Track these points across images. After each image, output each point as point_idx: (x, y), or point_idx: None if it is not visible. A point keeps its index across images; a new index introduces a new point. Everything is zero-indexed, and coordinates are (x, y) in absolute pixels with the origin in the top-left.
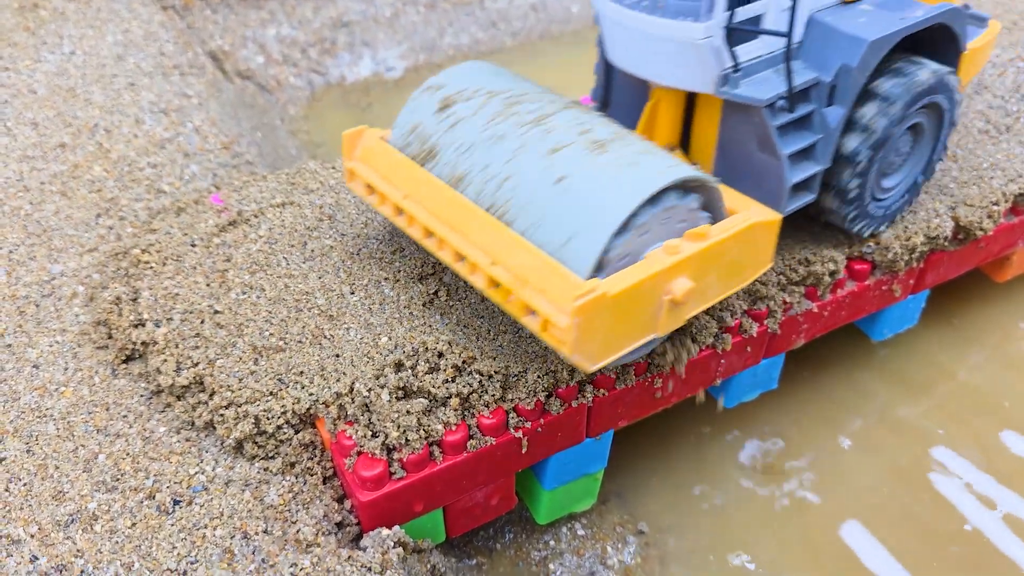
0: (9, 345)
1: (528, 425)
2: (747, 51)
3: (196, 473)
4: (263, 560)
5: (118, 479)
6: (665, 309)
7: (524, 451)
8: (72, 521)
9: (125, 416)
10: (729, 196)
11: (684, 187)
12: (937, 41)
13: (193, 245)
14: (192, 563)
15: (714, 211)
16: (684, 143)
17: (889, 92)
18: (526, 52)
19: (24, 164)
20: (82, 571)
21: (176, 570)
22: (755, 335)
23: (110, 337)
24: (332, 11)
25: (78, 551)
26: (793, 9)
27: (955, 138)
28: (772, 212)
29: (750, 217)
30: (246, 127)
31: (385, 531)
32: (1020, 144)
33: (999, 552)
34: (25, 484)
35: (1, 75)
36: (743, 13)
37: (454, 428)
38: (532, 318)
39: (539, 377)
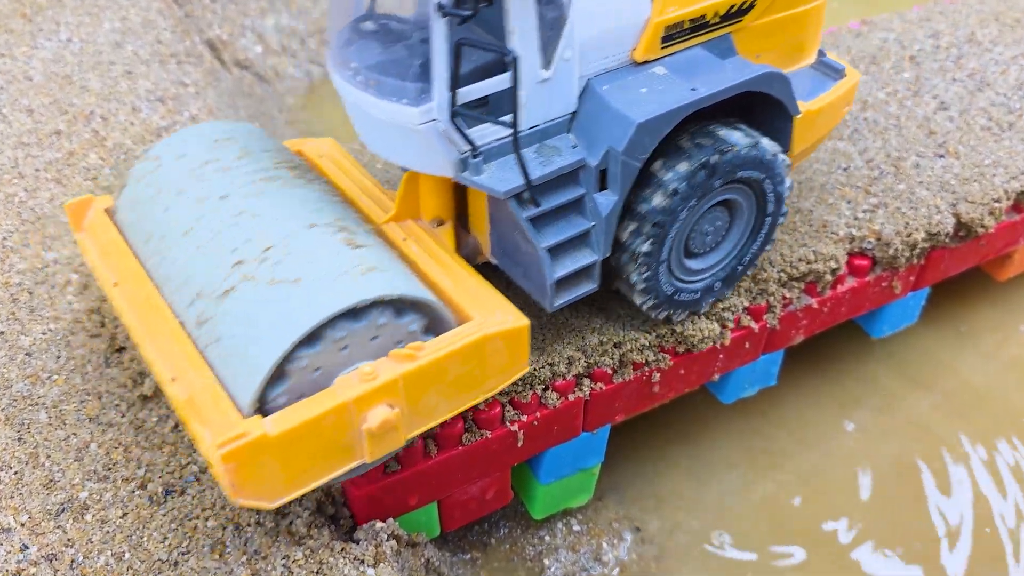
0: (2, 332)
1: (524, 419)
2: (489, 132)
3: (188, 463)
4: (255, 552)
5: (110, 468)
6: (367, 437)
7: (520, 445)
8: (63, 510)
9: (117, 405)
10: (470, 293)
11: (374, 304)
12: (762, 105)
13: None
14: (183, 554)
15: (437, 321)
16: (464, 214)
17: (668, 178)
18: None
19: (19, 151)
20: (72, 560)
21: (167, 560)
22: (754, 330)
23: (103, 325)
24: None
25: (69, 540)
26: (515, 92)
27: (957, 135)
28: (517, 318)
29: (481, 328)
30: (243, 117)
31: (379, 524)
32: (1022, 141)
33: (998, 549)
34: (16, 472)
35: None
36: (469, 92)
37: (449, 421)
38: (202, 448)
39: (536, 370)
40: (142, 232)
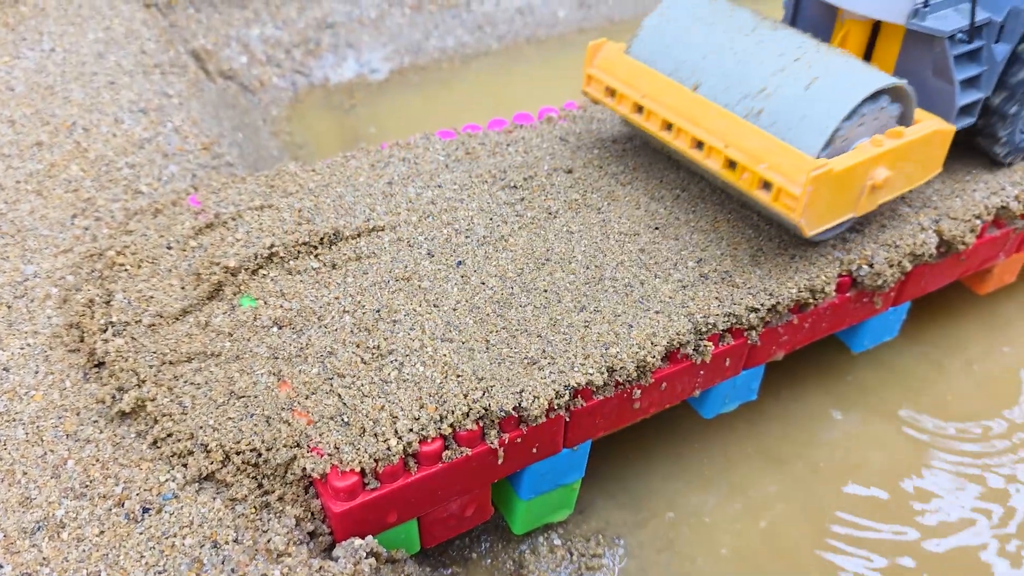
0: None
1: (504, 436)
2: None
3: (167, 480)
4: (232, 570)
5: (87, 486)
6: (866, 192)
7: (500, 462)
8: (39, 528)
9: (96, 421)
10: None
11: (892, 94)
12: None
13: (169, 248)
14: (160, 572)
15: (905, 118)
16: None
17: None
18: (512, 56)
19: None
20: None
21: None
22: (734, 346)
23: (82, 340)
24: (317, 12)
25: (44, 559)
26: None
27: None
28: (947, 124)
29: (933, 125)
30: (227, 128)
31: (358, 541)
32: None
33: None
34: None
35: None
36: None
37: (429, 439)
38: (763, 192)
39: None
40: (670, 58)
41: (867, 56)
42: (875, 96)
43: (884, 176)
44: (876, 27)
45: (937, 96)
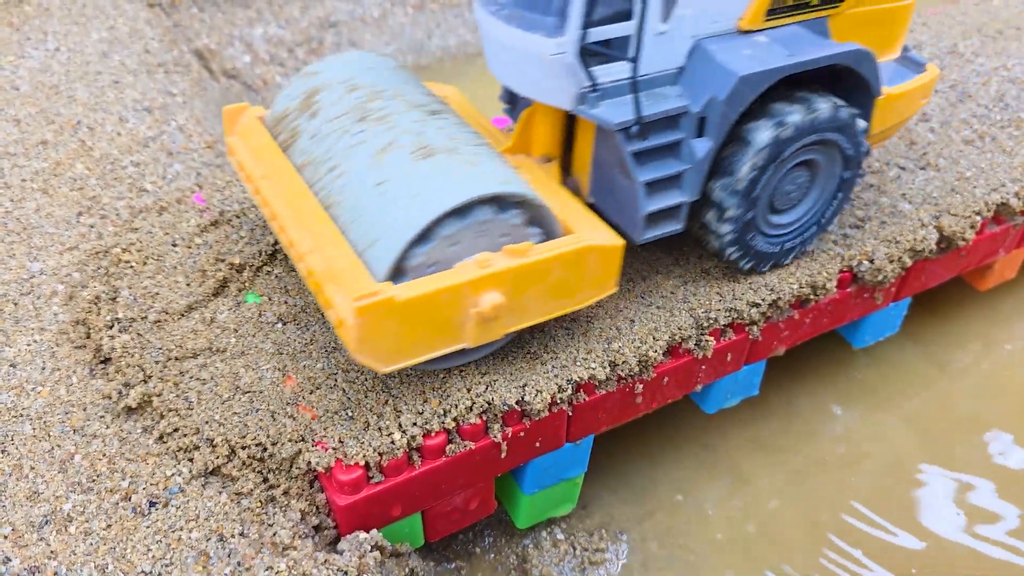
0: None
1: (508, 430)
2: (608, 72)
3: (173, 475)
4: (238, 563)
5: (94, 480)
6: (474, 321)
7: (503, 456)
8: (46, 522)
9: (102, 417)
10: (573, 215)
11: (505, 201)
12: (848, 82)
13: (175, 245)
14: (167, 566)
15: (546, 228)
16: (568, 157)
17: (759, 135)
18: None
19: (5, 161)
20: (55, 573)
21: (151, 572)
22: (736, 341)
23: (88, 337)
24: (320, 11)
25: (52, 552)
26: (639, 35)
27: (939, 147)
28: (614, 238)
29: (582, 240)
30: None
31: (363, 535)
32: (1003, 153)
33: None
34: None
35: None
36: (598, 34)
37: (433, 432)
38: (332, 312)
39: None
40: (290, 132)
41: (568, 145)
42: (470, 209)
43: (495, 303)
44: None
45: (626, 198)
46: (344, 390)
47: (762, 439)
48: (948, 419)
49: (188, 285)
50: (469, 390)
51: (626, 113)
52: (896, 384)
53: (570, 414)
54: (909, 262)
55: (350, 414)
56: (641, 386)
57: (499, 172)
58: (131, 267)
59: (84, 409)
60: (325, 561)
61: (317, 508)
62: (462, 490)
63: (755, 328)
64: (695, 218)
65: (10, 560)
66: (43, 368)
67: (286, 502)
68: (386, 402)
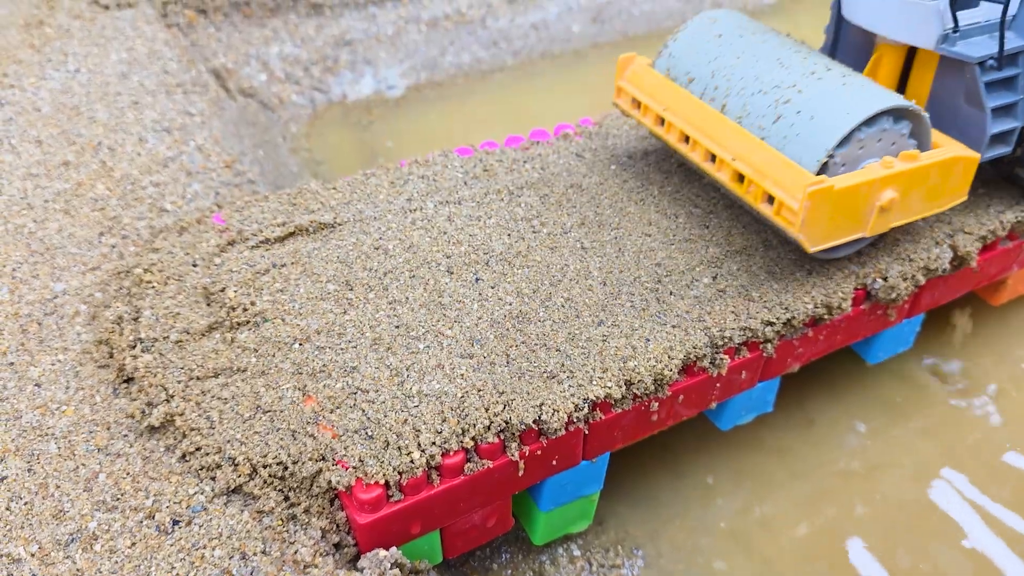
0: (12, 363)
1: (525, 448)
2: (967, 16)
3: (196, 493)
4: None
5: (118, 499)
6: (875, 213)
7: (521, 474)
8: (72, 540)
9: (126, 436)
10: (935, 134)
11: (898, 113)
12: None
13: (195, 265)
14: None
15: (921, 141)
16: (902, 91)
17: None
18: (527, 71)
19: (28, 182)
20: None
21: None
22: (750, 359)
23: (111, 356)
24: (334, 29)
25: (78, 570)
26: None
27: None
28: (973, 152)
29: (953, 151)
30: (248, 145)
31: (382, 552)
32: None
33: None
34: (26, 503)
35: (6, 93)
36: None
37: (452, 451)
38: (767, 205)
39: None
40: (703, 59)
41: (902, 81)
42: (875, 118)
43: (891, 198)
44: (911, 53)
45: (970, 123)
46: (363, 410)
47: (778, 455)
48: (962, 435)
49: (208, 305)
50: (487, 409)
51: (985, 49)
52: (910, 400)
53: (586, 432)
54: (923, 280)
55: (370, 433)
56: (656, 404)
57: (888, 92)
58: (152, 287)
59: (108, 428)
60: None
61: (337, 526)
62: (480, 508)
63: (769, 346)
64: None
65: None
66: (67, 387)
67: (307, 520)
68: (405, 421)
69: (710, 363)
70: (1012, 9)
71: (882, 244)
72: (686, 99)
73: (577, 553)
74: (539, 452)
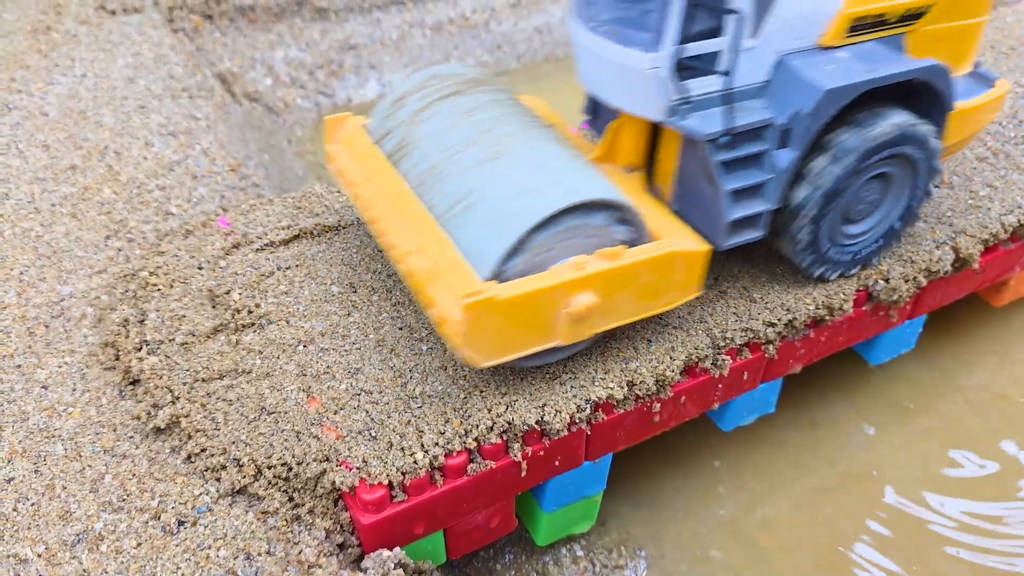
0: (19, 366)
1: (528, 449)
2: (700, 85)
3: (201, 494)
4: None
5: (124, 499)
6: (566, 321)
7: (524, 475)
8: (79, 541)
9: (132, 437)
10: (660, 221)
11: (596, 207)
12: (923, 96)
13: (200, 268)
14: None
15: (636, 230)
16: (651, 166)
17: (842, 145)
18: (531, 74)
19: (35, 186)
20: None
21: None
22: (752, 360)
23: (117, 358)
24: (339, 34)
25: (84, 571)
26: (735, 51)
27: (952, 164)
28: (700, 244)
29: (670, 245)
30: (253, 149)
31: (386, 553)
32: (1017, 170)
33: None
34: (33, 504)
35: (13, 97)
36: (692, 49)
37: (455, 452)
38: (434, 311)
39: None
40: (400, 136)
41: (651, 155)
42: (557, 218)
43: (586, 304)
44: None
45: (711, 206)
46: (367, 411)
47: (779, 456)
48: (964, 436)
49: (214, 307)
50: (490, 410)
51: (715, 124)
52: (912, 401)
53: (589, 433)
54: (924, 282)
55: (373, 434)
56: (659, 405)
57: (588, 180)
58: (158, 290)
59: (114, 430)
60: None
61: (341, 526)
62: (483, 508)
63: (771, 347)
64: (771, 224)
65: None
66: (74, 389)
67: (311, 521)
68: (408, 422)
69: (712, 364)
70: (745, 79)
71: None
72: (384, 175)
73: (580, 554)
74: (542, 453)
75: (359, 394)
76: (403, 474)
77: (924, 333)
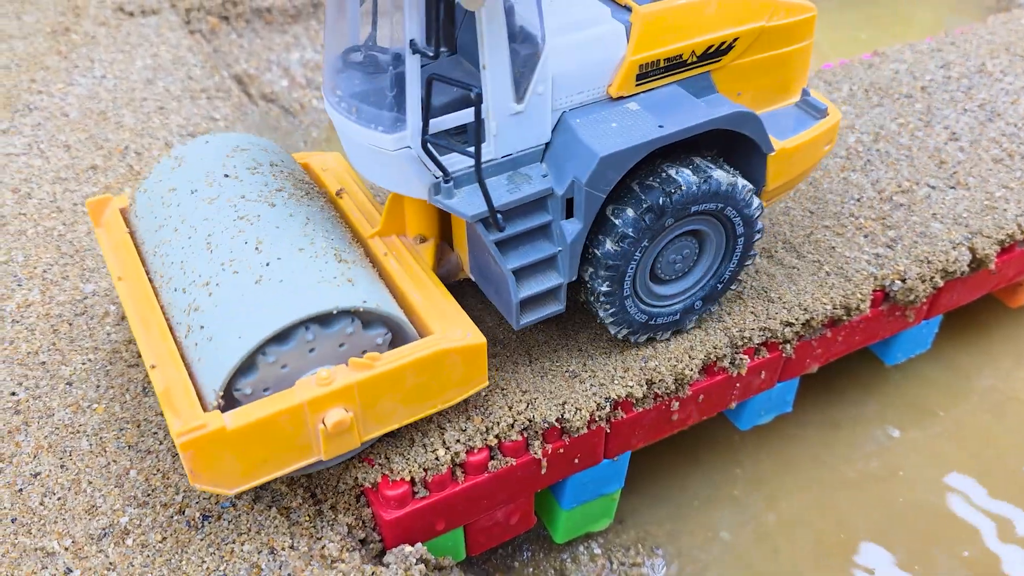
0: (43, 363)
1: (548, 447)
2: (462, 159)
3: None
4: (289, 575)
5: (149, 494)
6: (324, 436)
7: (543, 472)
8: (105, 535)
9: (155, 433)
10: (434, 309)
11: (332, 317)
12: (740, 141)
13: None
14: None
15: (399, 327)
16: (449, 231)
17: (618, 223)
18: None
19: (57, 186)
20: None
21: None
22: (769, 359)
23: (140, 355)
24: None
25: (111, 564)
26: (477, 127)
27: (968, 165)
28: (475, 336)
29: (437, 343)
30: None
31: (408, 548)
32: None
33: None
34: (60, 498)
35: (35, 98)
36: (440, 124)
37: (476, 449)
38: (172, 436)
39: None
40: (152, 224)
41: (446, 230)
42: (291, 332)
43: (339, 419)
44: None
45: (502, 284)
46: None
47: (796, 455)
48: (980, 437)
49: None
50: (511, 408)
51: (483, 203)
52: (928, 402)
53: (608, 431)
54: (941, 282)
55: (395, 431)
56: (677, 403)
57: (321, 289)
58: None
59: (138, 426)
60: (372, 574)
61: (363, 522)
62: (503, 505)
63: (788, 346)
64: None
65: (72, 571)
66: (98, 386)
67: (333, 516)
68: (430, 419)
69: (730, 363)
70: (520, 144)
71: (900, 246)
72: (134, 272)
73: (598, 551)
74: (561, 450)
75: None
76: (425, 470)
77: (940, 334)
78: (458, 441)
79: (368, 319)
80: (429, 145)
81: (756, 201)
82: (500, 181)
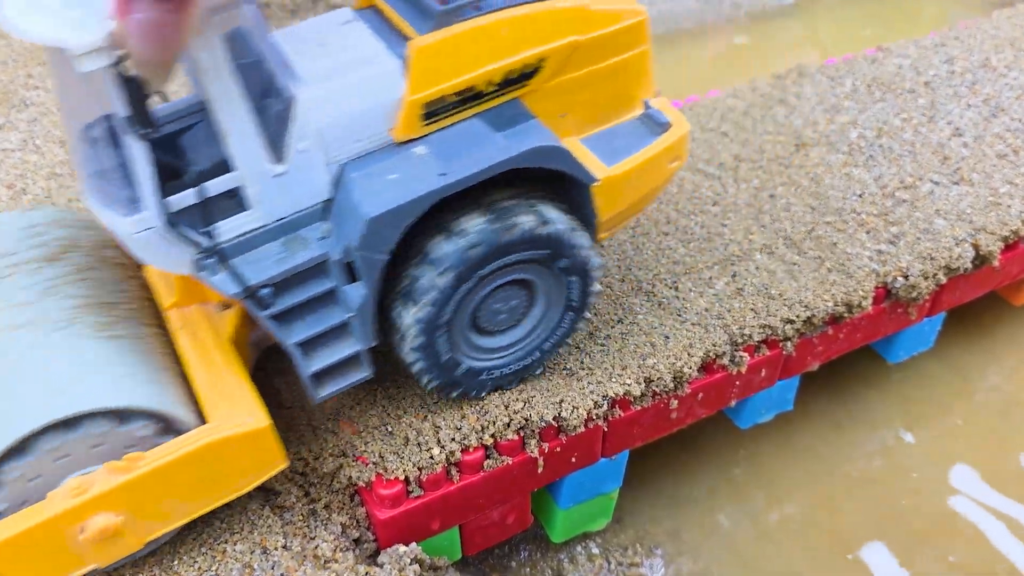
0: None
1: (544, 445)
2: (228, 228)
3: None
4: (282, 575)
5: None
6: (92, 545)
7: (540, 471)
8: None
9: None
10: (218, 392)
11: (76, 418)
12: (556, 173)
13: None
14: None
15: (168, 420)
16: None
17: (419, 284)
18: None
19: (52, 182)
20: None
21: None
22: (769, 357)
23: None
24: None
25: None
26: (203, 208)
27: (972, 161)
28: (257, 420)
29: (208, 434)
30: None
31: (402, 548)
32: None
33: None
34: None
35: (30, 94)
36: (178, 201)
37: (471, 448)
38: None
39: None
40: None
41: None
42: (78, 420)
43: (103, 526)
44: None
45: (291, 357)
46: (384, 406)
47: (796, 454)
48: (984, 436)
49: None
50: (507, 406)
51: (253, 276)
52: (930, 400)
53: (606, 430)
54: (944, 279)
55: (390, 430)
56: (676, 402)
57: (63, 394)
58: None
59: None
60: (366, 573)
61: (357, 522)
62: (499, 505)
63: (789, 344)
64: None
65: None
66: None
67: (327, 516)
68: (425, 418)
69: (730, 361)
70: (292, 207)
71: (902, 243)
72: None
73: (596, 551)
74: (558, 449)
75: (375, 389)
76: (419, 469)
77: (943, 332)
78: (453, 440)
79: (122, 415)
80: (175, 224)
81: (581, 239)
82: (272, 249)
